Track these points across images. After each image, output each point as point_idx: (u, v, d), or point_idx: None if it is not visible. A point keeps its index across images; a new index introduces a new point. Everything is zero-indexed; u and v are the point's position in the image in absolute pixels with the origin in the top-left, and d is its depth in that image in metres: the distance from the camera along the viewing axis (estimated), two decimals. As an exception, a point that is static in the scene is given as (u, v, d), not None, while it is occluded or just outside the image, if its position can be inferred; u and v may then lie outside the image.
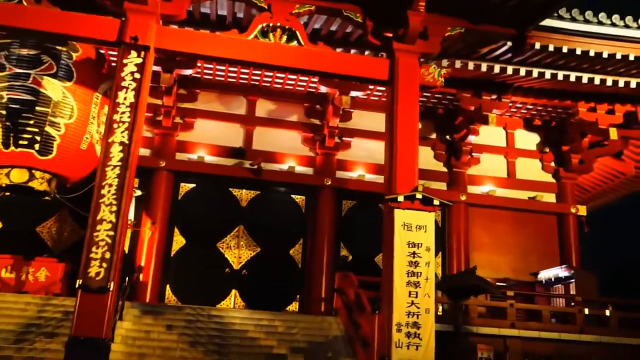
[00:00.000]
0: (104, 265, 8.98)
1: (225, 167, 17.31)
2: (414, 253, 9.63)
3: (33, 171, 12.22)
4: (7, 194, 12.93)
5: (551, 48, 13.95)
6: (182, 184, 17.21)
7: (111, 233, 9.13)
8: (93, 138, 12.72)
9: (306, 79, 17.32)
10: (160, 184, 16.66)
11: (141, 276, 15.76)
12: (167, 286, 16.35)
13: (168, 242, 16.58)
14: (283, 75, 17.17)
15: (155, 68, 15.90)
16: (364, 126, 18.41)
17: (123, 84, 9.82)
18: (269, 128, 18.06)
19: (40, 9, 10.41)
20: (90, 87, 12.61)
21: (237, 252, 16.92)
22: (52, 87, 12.04)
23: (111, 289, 8.97)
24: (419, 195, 9.79)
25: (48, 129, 11.94)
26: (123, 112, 9.66)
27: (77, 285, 8.94)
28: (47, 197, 13.03)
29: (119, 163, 9.42)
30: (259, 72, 17.07)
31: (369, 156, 18.32)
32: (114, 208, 9.21)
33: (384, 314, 10.01)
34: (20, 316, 11.60)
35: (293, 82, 17.69)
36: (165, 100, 16.29)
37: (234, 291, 16.59)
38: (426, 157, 18.12)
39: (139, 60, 10.00)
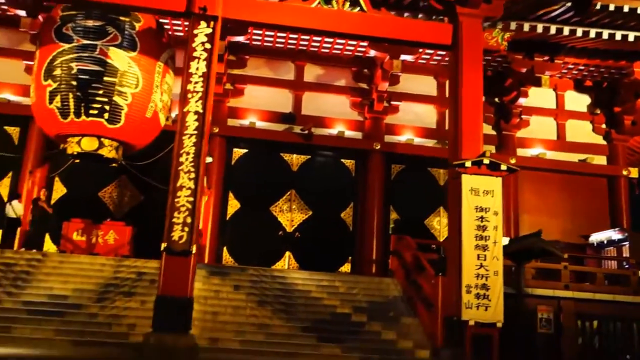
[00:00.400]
0: (186, 229, 9.40)
1: (276, 133, 17.61)
2: (481, 217, 9.83)
3: (102, 139, 12.64)
4: (77, 161, 13.41)
5: (612, 7, 13.71)
6: (234, 149, 17.59)
7: (191, 199, 9.52)
8: (157, 106, 13.05)
9: (355, 43, 17.32)
10: (214, 150, 16.98)
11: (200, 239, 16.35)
12: (224, 248, 16.90)
13: (223, 206, 17.07)
14: (331, 40, 17.18)
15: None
16: (412, 90, 18.46)
17: (194, 54, 10.06)
18: (318, 93, 18.23)
19: (110, -19, 10.62)
20: (153, 57, 12.86)
21: (289, 215, 17.34)
22: (118, 58, 12.33)
23: (193, 251, 9.41)
24: (486, 161, 9.92)
25: (116, 98, 12.29)
26: (196, 82, 9.93)
27: (162, 249, 9.38)
28: (114, 164, 13.48)
29: (195, 132, 9.74)
30: (307, 37, 17.14)
31: (417, 120, 18.43)
32: (192, 175, 9.57)
33: (451, 276, 10.30)
34: (98, 276, 12.23)
35: (341, 47, 17.73)
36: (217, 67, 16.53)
37: (287, 253, 17.08)
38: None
39: (209, 31, 10.20)
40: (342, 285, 13.38)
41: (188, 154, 9.63)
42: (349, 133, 17.94)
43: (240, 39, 16.24)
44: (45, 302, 11.02)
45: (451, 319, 10.04)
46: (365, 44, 16.75)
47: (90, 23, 12.31)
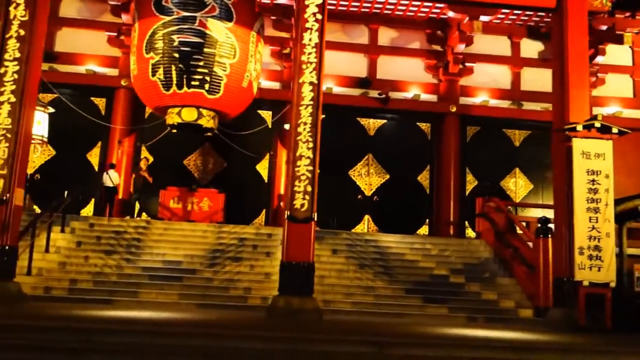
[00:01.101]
0: (307, 197, 9.79)
1: (352, 97, 17.76)
2: (593, 180, 9.94)
3: (201, 109, 13.01)
4: (174, 131, 13.85)
5: None
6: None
7: (310, 168, 9.87)
8: (251, 75, 13.33)
9: (430, 4, 17.15)
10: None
11: (282, 204, 16.83)
12: (305, 212, 17.31)
13: (303, 171, 17.41)
14: (407, 2, 17.07)
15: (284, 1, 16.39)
16: (486, 50, 18.31)
17: (307, 25, 10.23)
18: (392, 56, 18.22)
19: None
20: (247, 26, 13.05)
21: (367, 179, 17.65)
22: (216, 29, 12.56)
23: (315, 218, 9.81)
24: (597, 124, 9.97)
25: (216, 69, 12.58)
26: (310, 53, 10.14)
27: (285, 216, 9.80)
28: (209, 133, 13.89)
29: (311, 102, 10.01)
30: (382, 0, 17.06)
31: (492, 81, 18.35)
32: (311, 145, 9.90)
33: (559, 238, 10.50)
34: (203, 243, 12.81)
35: (415, 9, 17.59)
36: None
37: (366, 216, 17.46)
38: (547, 80, 17.99)
39: (320, 1, 10.34)
40: (433, 247, 13.72)
41: (305, 124, 9.92)
42: (424, 96, 17.99)
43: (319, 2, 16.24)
44: (162, 268, 11.65)
45: (561, 279, 10.29)
46: (441, 5, 16.61)
47: (188, -5, 12.51)
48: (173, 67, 12.47)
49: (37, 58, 9.95)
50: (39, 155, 16.75)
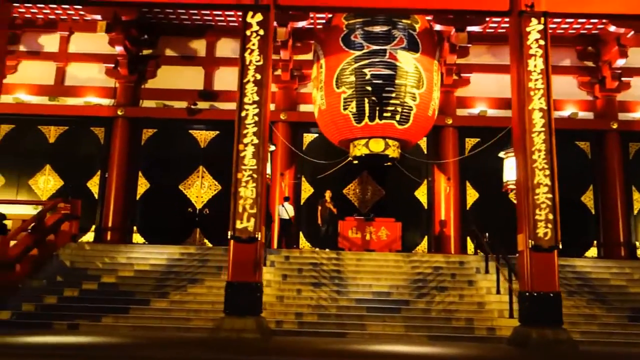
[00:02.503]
0: (549, 226, 9.62)
1: (503, 119, 17.48)
2: None
3: (387, 140, 13.14)
4: (355, 162, 14.02)
5: None
6: (467, 139, 17.68)
7: (549, 195, 9.72)
8: (435, 104, 13.38)
9: (584, 20, 16.83)
10: (448, 141, 17.24)
11: (445, 230, 16.70)
12: (467, 238, 17.11)
13: (462, 195, 17.27)
14: (559, 20, 16.78)
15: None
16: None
17: (530, 52, 10.16)
18: (545, 75, 17.90)
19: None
20: (431, 56, 13.17)
21: (528, 201, 17.24)
22: (405, 60, 12.72)
23: (560, 246, 9.63)
24: None
25: (407, 99, 12.71)
26: (536, 79, 10.05)
27: (528, 246, 9.64)
28: (388, 163, 13.98)
29: (542, 129, 9.90)
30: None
31: (652, 94, 17.72)
32: (547, 172, 9.75)
33: None
34: (400, 272, 12.79)
35: (567, 26, 17.29)
36: (448, 58, 16.65)
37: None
38: None
39: (540, 27, 10.27)
40: (633, 271, 13.18)
41: (540, 151, 9.80)
42: (582, 114, 17.57)
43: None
44: (374, 299, 11.67)
45: None
46: (596, 21, 16.31)
47: (377, 29, 12.75)
48: (366, 100, 12.68)
49: (268, 100, 10.27)
50: (206, 190, 17.34)
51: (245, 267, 9.51)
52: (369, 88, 12.64)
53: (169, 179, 17.39)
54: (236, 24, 17.63)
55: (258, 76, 10.12)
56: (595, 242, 17.07)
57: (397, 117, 12.75)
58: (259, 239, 9.60)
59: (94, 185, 17.48)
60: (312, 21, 16.51)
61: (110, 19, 15.97)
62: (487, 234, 13.79)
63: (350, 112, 12.82)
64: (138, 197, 17.38)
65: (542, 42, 10.18)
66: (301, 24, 16.12)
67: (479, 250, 16.67)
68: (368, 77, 12.65)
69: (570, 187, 17.22)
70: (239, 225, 9.56)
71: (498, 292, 11.84)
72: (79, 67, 18.13)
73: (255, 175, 9.73)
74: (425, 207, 17.25)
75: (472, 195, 17.45)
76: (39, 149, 17.51)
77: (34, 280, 12.01)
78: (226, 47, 18.19)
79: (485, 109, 17.58)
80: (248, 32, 10.26)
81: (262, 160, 9.84)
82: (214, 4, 11.37)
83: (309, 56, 17.39)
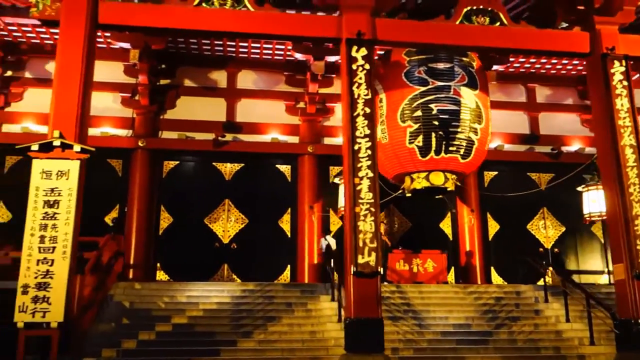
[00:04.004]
0: (646, 256, 10.14)
1: (521, 154, 18.39)
2: None
3: (446, 173, 13.43)
4: (408, 195, 14.17)
5: None
6: (485, 172, 18.35)
7: (653, 225, 10.27)
8: (489, 138, 13.88)
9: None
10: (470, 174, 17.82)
11: (472, 260, 17.13)
12: (492, 268, 17.62)
13: (484, 227, 17.81)
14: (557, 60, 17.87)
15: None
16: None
17: (617, 92, 10.86)
18: (551, 113, 19.02)
19: (508, 29, 11.46)
20: (486, 92, 13.70)
21: (545, 232, 18.08)
22: (468, 96, 13.13)
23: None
24: None
25: (470, 134, 13.08)
26: (624, 117, 10.73)
27: (632, 275, 10.10)
28: (440, 195, 14.27)
29: (635, 164, 10.53)
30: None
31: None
32: (644, 203, 10.34)
33: None
34: (466, 304, 12.99)
35: (571, 67, 18.51)
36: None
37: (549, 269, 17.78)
38: None
39: (623, 69, 11.02)
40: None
41: (635, 184, 10.40)
42: (589, 149, 18.73)
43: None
44: (456, 332, 11.75)
45: None
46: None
47: (441, 66, 13.13)
48: (433, 135, 12.93)
49: (376, 134, 10.27)
50: (232, 224, 16.85)
51: (368, 302, 9.33)
52: (436, 122, 12.90)
53: (193, 212, 16.74)
54: (258, 56, 17.58)
55: (367, 110, 10.11)
56: None
57: (462, 151, 13.07)
58: (381, 273, 9.47)
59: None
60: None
61: (141, 48, 15.37)
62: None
63: (417, 145, 13.00)
64: (161, 232, 16.59)
65: (625, 83, 10.90)
66: (334, 58, 16.25)
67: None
68: (435, 112, 12.92)
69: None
70: (360, 260, 9.39)
71: (567, 320, 12.27)
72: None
73: (372, 209, 9.64)
74: (451, 238, 17.63)
75: (493, 227, 18.04)
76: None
77: (100, 323, 11.11)
78: (247, 79, 17.98)
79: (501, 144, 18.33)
80: (354, 66, 10.26)
81: (377, 194, 9.76)
82: (311, 37, 11.17)
83: (331, 90, 17.62)
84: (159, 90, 17.41)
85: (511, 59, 17.47)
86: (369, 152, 9.94)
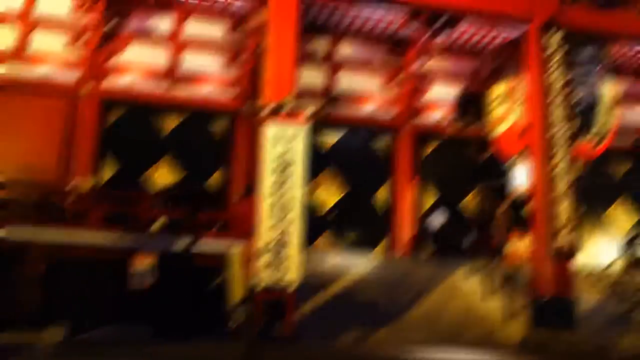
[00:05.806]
0: None
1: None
2: None
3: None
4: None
5: None
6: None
7: None
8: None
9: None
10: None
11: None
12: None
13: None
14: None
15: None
16: None
17: None
18: None
19: None
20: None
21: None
22: (605, 84, 13.46)
23: None
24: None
25: (606, 122, 13.43)
26: None
27: None
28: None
29: None
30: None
31: None
32: None
33: None
34: None
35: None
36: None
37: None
38: None
39: None
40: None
41: None
42: None
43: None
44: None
45: None
46: None
47: (583, 53, 13.33)
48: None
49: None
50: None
51: (563, 282, 9.65)
52: (578, 109, 13.15)
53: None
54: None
55: (562, 95, 10.28)
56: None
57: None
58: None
59: (214, 181, 16.35)
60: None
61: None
62: None
63: (557, 130, 13.25)
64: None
65: None
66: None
67: None
68: (577, 98, 13.16)
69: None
70: (558, 242, 9.67)
71: None
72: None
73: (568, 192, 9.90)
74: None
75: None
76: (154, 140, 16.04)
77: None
78: (348, 49, 17.75)
79: None
80: (548, 52, 10.36)
81: (569, 177, 10.02)
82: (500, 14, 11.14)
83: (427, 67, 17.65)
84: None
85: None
86: (564, 138, 10.13)
